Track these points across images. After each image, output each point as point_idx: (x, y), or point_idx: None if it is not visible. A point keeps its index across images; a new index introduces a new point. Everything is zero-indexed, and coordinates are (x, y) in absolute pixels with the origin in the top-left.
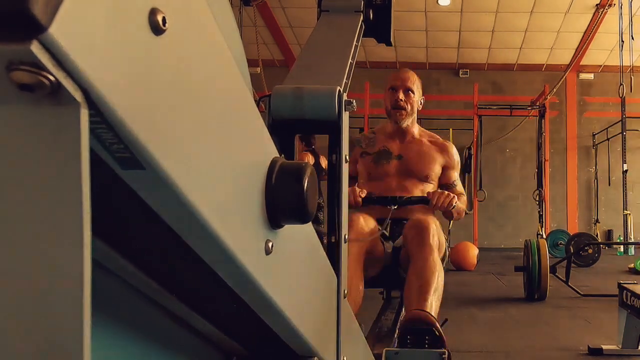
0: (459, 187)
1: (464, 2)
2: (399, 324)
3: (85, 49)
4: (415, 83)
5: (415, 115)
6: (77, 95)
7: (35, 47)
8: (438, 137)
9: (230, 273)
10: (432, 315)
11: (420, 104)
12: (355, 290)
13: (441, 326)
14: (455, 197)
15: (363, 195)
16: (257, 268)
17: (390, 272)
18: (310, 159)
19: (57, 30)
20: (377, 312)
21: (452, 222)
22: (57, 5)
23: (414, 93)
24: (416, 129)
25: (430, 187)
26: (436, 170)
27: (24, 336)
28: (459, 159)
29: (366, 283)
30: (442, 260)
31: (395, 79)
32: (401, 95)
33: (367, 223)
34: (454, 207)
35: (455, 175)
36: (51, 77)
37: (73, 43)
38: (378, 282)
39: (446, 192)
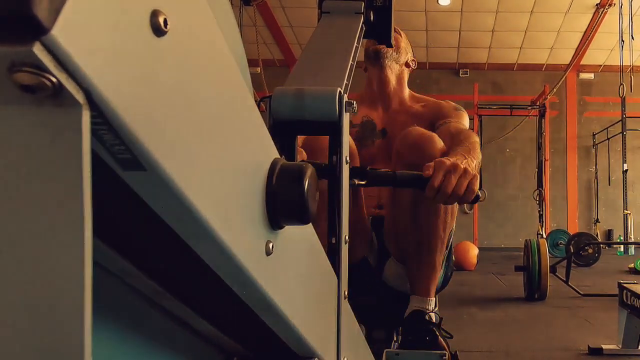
0: (465, 133)
1: (464, 2)
2: (400, 323)
3: (87, 51)
4: (400, 35)
5: (402, 67)
6: (79, 97)
7: (38, 49)
8: (435, 100)
9: (231, 274)
10: (432, 315)
11: (412, 61)
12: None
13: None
14: (470, 168)
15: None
16: (258, 269)
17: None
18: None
19: (59, 32)
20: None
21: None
22: (59, 7)
23: (400, 35)
24: (406, 92)
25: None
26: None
27: (24, 337)
28: (462, 111)
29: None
30: (448, 259)
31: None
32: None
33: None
34: (477, 195)
35: (451, 118)
36: (53, 79)
37: (75, 45)
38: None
39: (454, 161)
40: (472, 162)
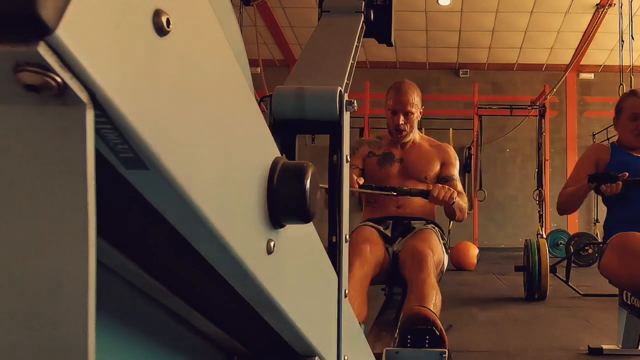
0: (459, 186)
1: (464, 2)
2: (399, 322)
3: (91, 51)
4: (414, 102)
5: (415, 127)
6: (83, 96)
7: (42, 49)
8: (437, 142)
9: (232, 272)
10: (432, 312)
11: (420, 113)
12: (360, 314)
13: (446, 331)
14: (455, 192)
15: (361, 182)
16: (259, 267)
17: (391, 272)
18: None
19: (64, 32)
20: (378, 311)
21: (451, 222)
22: (63, 8)
23: (413, 113)
24: (417, 136)
25: (427, 186)
26: (435, 169)
27: (28, 335)
28: (457, 158)
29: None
30: (441, 273)
31: (395, 103)
32: (401, 120)
33: (372, 250)
34: (454, 202)
35: (453, 171)
36: (57, 78)
37: (79, 44)
38: (380, 280)
39: (446, 186)
40: (455, 194)
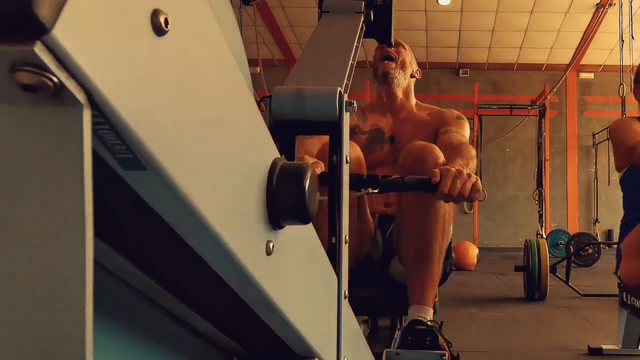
0: (465, 146)
1: (464, 2)
2: (399, 324)
3: (88, 51)
4: (406, 46)
5: (408, 80)
6: (80, 96)
7: (39, 49)
8: (439, 108)
9: (231, 273)
10: (433, 324)
11: (416, 72)
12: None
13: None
14: (476, 177)
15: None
16: (258, 268)
17: (376, 288)
18: None
19: (61, 32)
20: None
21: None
22: (60, 7)
23: (405, 49)
24: (412, 102)
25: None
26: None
27: (25, 337)
28: (464, 120)
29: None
30: (448, 256)
31: (383, 48)
32: (392, 52)
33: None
34: (478, 196)
35: (453, 127)
36: (54, 78)
37: (76, 44)
38: (361, 305)
39: (459, 167)
40: (472, 177)
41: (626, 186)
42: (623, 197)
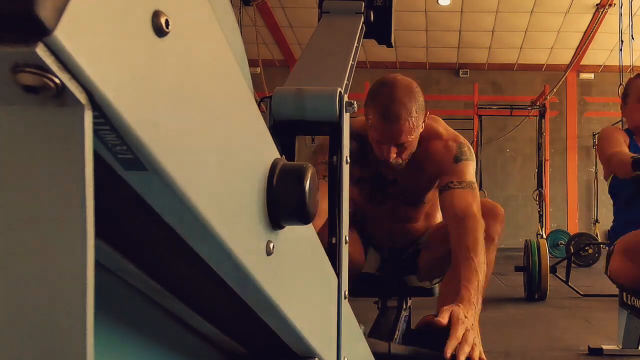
0: (472, 226)
1: (464, 2)
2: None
3: (89, 52)
4: (412, 126)
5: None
6: (82, 97)
7: (40, 50)
8: (443, 134)
9: (231, 273)
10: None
11: (423, 122)
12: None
13: None
14: (480, 347)
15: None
16: (258, 268)
17: (380, 280)
18: None
19: (62, 33)
20: (378, 312)
21: None
22: (62, 8)
23: (411, 142)
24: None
25: (427, 207)
26: (434, 185)
27: (26, 337)
28: (462, 161)
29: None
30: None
31: (382, 135)
32: (392, 153)
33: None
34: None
35: (455, 177)
36: (56, 79)
37: (78, 46)
38: (371, 290)
39: (466, 329)
40: (478, 305)
41: (612, 194)
42: (612, 205)
